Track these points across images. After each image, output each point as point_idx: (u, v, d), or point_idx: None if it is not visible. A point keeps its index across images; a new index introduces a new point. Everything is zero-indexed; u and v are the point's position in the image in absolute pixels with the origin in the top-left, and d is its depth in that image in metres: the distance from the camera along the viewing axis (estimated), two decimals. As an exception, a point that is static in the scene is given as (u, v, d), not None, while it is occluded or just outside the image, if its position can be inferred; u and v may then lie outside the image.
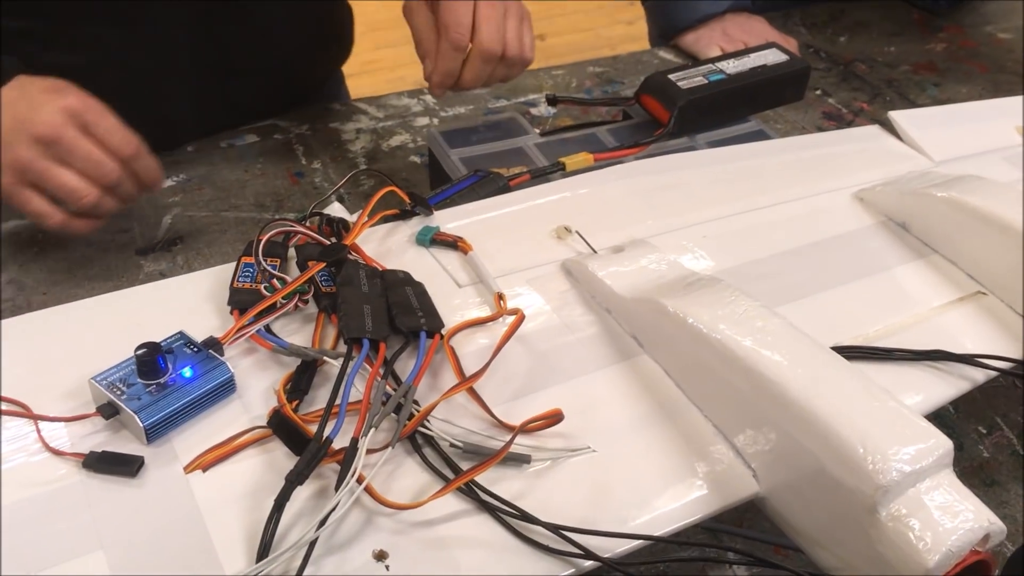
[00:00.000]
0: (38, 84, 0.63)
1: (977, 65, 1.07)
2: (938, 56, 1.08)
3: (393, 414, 0.43)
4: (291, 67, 0.94)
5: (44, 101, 0.61)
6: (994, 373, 0.49)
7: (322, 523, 0.38)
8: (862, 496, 0.37)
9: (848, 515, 0.38)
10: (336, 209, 0.56)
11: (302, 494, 0.40)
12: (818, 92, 0.99)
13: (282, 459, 0.42)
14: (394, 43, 2.34)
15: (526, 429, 0.43)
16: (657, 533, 0.40)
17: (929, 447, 0.38)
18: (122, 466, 0.41)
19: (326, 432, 0.41)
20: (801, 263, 0.56)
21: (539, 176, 0.64)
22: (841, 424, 0.39)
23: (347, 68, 1.08)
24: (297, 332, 0.49)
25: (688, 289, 0.47)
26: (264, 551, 0.38)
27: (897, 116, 0.69)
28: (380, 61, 2.40)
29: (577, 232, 0.56)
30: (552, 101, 0.81)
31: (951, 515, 0.37)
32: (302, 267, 0.50)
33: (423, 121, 0.94)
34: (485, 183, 0.64)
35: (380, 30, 2.03)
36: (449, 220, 0.57)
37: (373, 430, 0.41)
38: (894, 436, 0.38)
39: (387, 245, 0.55)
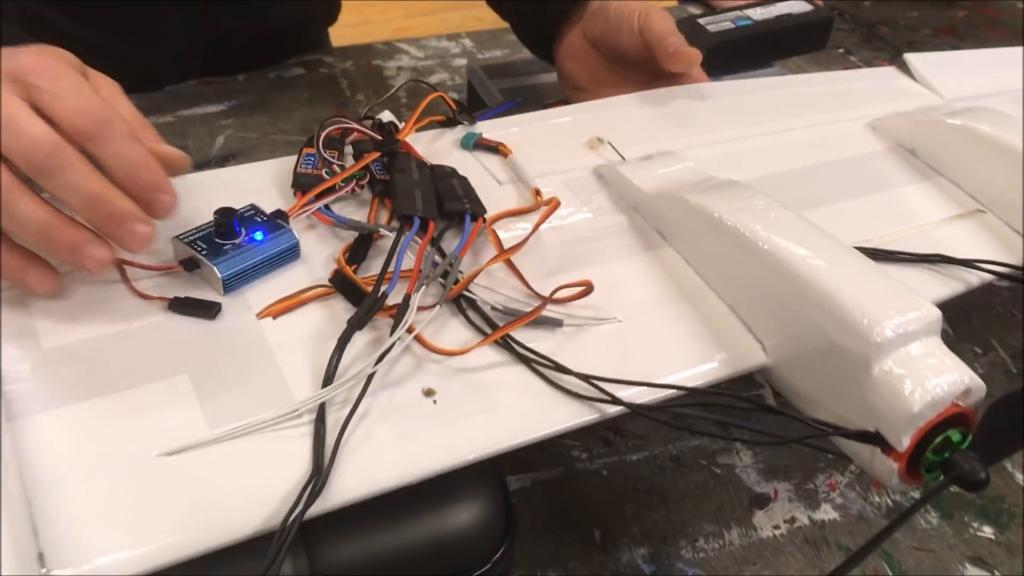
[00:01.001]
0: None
1: (997, 32, 1.11)
2: (959, 22, 1.12)
3: (440, 280, 0.48)
4: (280, 32, 0.97)
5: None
6: (990, 277, 0.54)
7: (380, 359, 0.43)
8: (859, 355, 0.42)
9: (845, 374, 0.43)
10: (387, 115, 0.61)
11: (359, 341, 0.45)
12: (840, 50, 1.03)
13: (342, 312, 0.47)
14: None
15: (558, 298, 0.48)
16: (668, 394, 0.45)
17: (920, 315, 0.43)
18: (202, 310, 0.46)
19: (381, 291, 0.46)
20: (814, 179, 0.60)
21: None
22: (843, 296, 0.43)
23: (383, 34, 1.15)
24: (353, 214, 0.54)
25: (709, 188, 0.52)
26: (328, 380, 0.43)
27: (912, 58, 0.73)
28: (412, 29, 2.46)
29: (608, 143, 0.60)
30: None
31: (936, 372, 0.41)
32: (357, 160, 0.55)
33: (461, 62, 0.98)
34: (523, 107, 0.69)
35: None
36: (489, 130, 0.62)
37: (424, 288, 0.46)
38: (889, 304, 0.43)
39: (434, 148, 0.60)
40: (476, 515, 0.43)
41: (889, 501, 0.58)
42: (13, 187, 0.43)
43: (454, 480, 0.43)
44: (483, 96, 0.82)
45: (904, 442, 0.41)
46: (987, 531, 0.57)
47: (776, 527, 0.56)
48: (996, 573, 0.55)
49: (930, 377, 0.41)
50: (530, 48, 0.79)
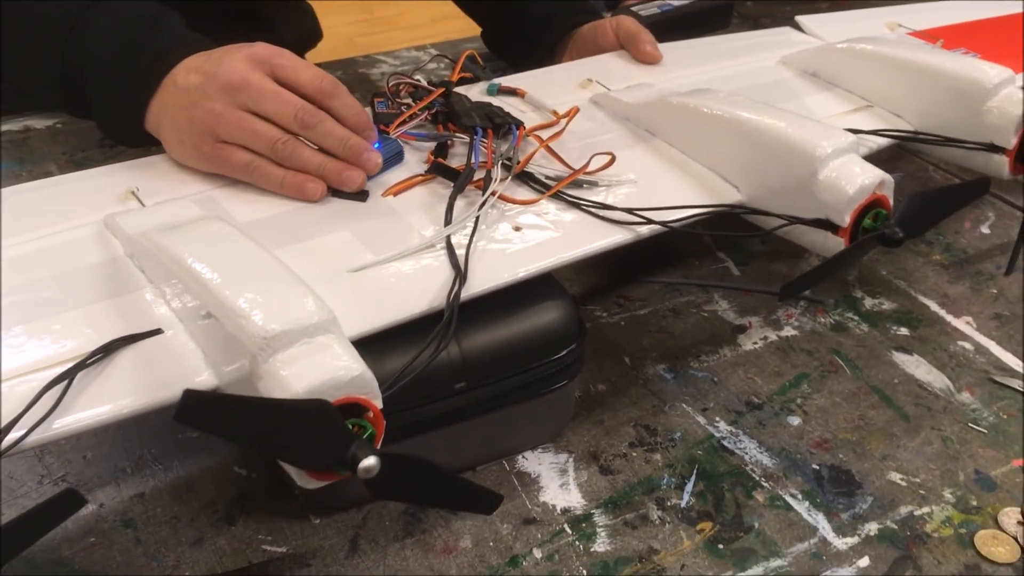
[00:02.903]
0: (229, 46, 0.66)
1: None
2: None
3: (506, 160, 0.67)
4: None
5: (227, 54, 0.64)
6: (888, 141, 0.76)
7: (482, 205, 0.62)
8: (809, 169, 0.63)
9: (799, 186, 0.64)
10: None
11: (457, 206, 0.64)
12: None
13: (440, 190, 0.66)
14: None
15: (591, 169, 0.68)
16: (684, 214, 0.65)
17: (844, 138, 0.64)
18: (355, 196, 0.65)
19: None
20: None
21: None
22: (795, 135, 0.64)
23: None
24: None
25: (683, 94, 0.73)
26: (448, 222, 0.61)
27: (802, 19, 0.97)
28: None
29: (597, 82, 0.81)
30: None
31: (862, 171, 0.63)
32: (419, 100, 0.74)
33: (432, 66, 1.18)
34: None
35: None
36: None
37: (498, 165, 0.65)
38: (823, 135, 0.64)
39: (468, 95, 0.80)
40: (560, 313, 0.62)
41: (831, 320, 0.79)
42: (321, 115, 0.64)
43: (542, 292, 0.62)
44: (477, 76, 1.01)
45: (846, 219, 0.61)
46: (904, 331, 0.78)
47: (755, 343, 0.76)
48: (914, 354, 0.75)
49: (858, 174, 0.62)
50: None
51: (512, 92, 0.80)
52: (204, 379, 0.50)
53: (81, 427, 0.47)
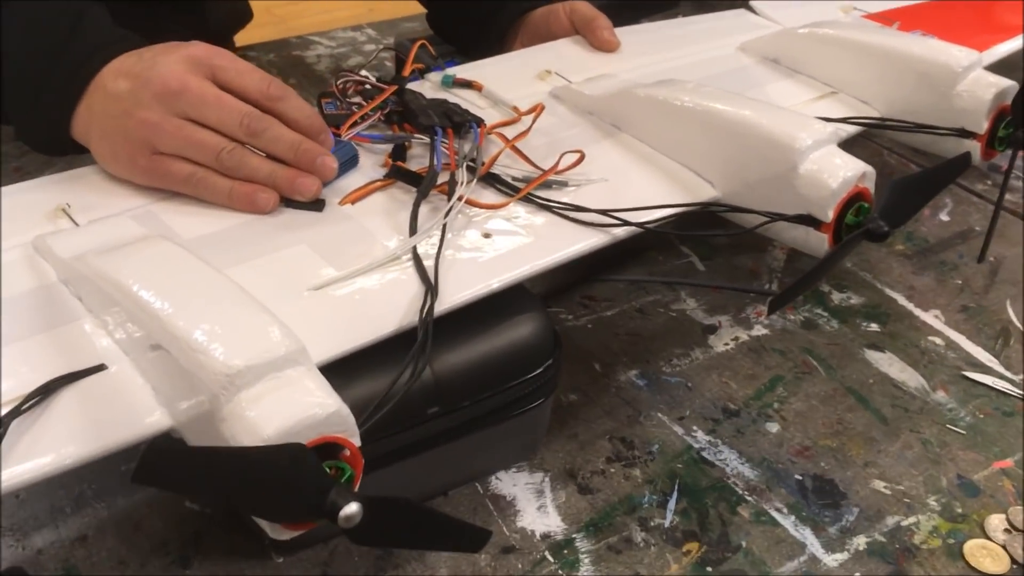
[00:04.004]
0: (160, 46, 0.60)
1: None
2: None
3: (470, 162, 0.63)
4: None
5: (161, 55, 0.59)
6: (857, 129, 0.73)
7: (448, 212, 0.57)
8: (789, 162, 0.60)
9: (778, 180, 0.60)
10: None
11: (421, 214, 0.59)
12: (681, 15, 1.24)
13: (400, 195, 0.61)
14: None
15: (560, 169, 0.64)
16: (660, 214, 0.61)
17: (822, 128, 0.61)
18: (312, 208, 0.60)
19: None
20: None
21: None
22: (772, 127, 0.61)
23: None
24: (377, 137, 0.68)
25: (649, 85, 0.69)
26: (413, 231, 0.57)
27: (755, 4, 0.94)
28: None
29: (556, 73, 0.77)
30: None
31: (843, 164, 0.60)
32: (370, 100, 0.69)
33: (371, 47, 1.13)
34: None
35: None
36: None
37: (461, 168, 0.61)
38: (801, 126, 0.61)
39: (420, 90, 0.75)
40: (535, 326, 0.58)
41: (801, 317, 0.76)
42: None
43: (516, 305, 0.58)
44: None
45: (829, 214, 0.59)
46: (874, 327, 0.76)
47: (726, 344, 0.73)
48: (886, 352, 0.73)
49: (839, 167, 0.59)
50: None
51: (468, 85, 0.75)
52: (156, 419, 0.45)
53: (19, 483, 0.42)
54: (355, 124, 0.66)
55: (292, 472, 0.39)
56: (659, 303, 0.77)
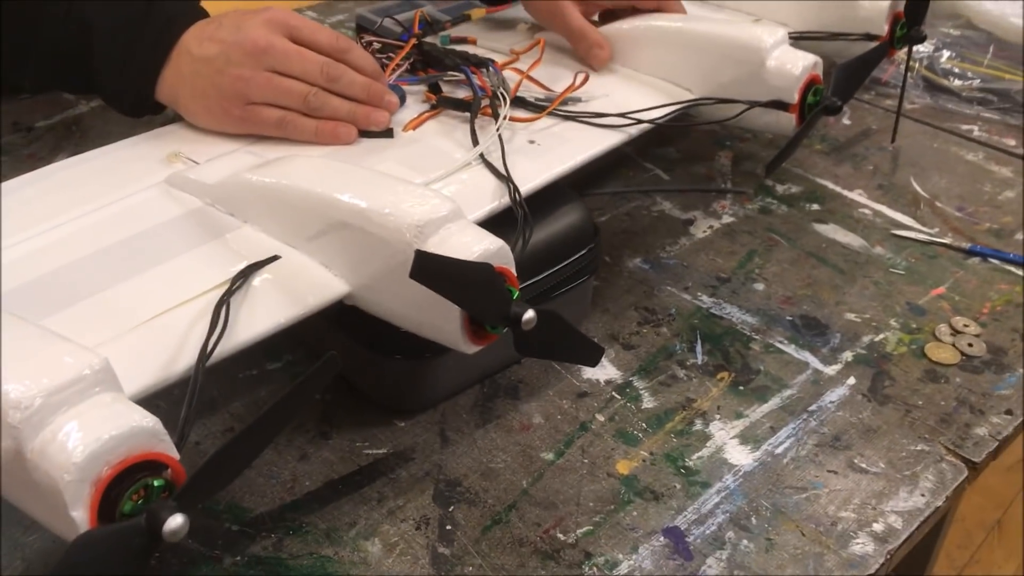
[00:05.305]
0: (234, 13, 0.70)
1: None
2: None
3: (501, 90, 0.75)
4: None
5: (244, 20, 0.68)
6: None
7: (498, 125, 0.70)
8: (760, 58, 0.75)
9: (750, 75, 0.76)
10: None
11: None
12: None
13: (448, 120, 0.74)
14: None
15: (575, 87, 0.77)
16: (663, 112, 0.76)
17: (781, 35, 0.76)
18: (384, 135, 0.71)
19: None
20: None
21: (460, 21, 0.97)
22: (737, 34, 0.76)
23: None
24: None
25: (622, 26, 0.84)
26: (475, 142, 0.69)
27: None
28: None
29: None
30: None
31: (803, 57, 0.75)
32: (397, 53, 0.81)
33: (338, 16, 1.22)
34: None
35: None
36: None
37: (499, 92, 0.74)
38: (759, 31, 0.76)
39: (423, 47, 0.87)
40: (580, 216, 0.71)
41: (756, 207, 0.92)
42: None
43: (562, 200, 0.71)
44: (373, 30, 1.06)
45: (795, 96, 0.74)
46: (815, 207, 0.92)
47: (704, 232, 0.88)
48: (829, 223, 0.90)
49: (799, 58, 0.75)
50: None
51: (463, 40, 0.88)
52: (337, 285, 0.56)
53: (253, 337, 0.52)
54: (392, 72, 0.78)
55: (488, 279, 0.51)
56: (641, 207, 0.91)
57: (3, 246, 0.56)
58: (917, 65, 1.12)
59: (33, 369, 0.42)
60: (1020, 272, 0.84)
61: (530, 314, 0.52)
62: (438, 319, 0.54)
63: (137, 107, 0.72)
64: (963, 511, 1.71)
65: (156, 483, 0.43)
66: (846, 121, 1.07)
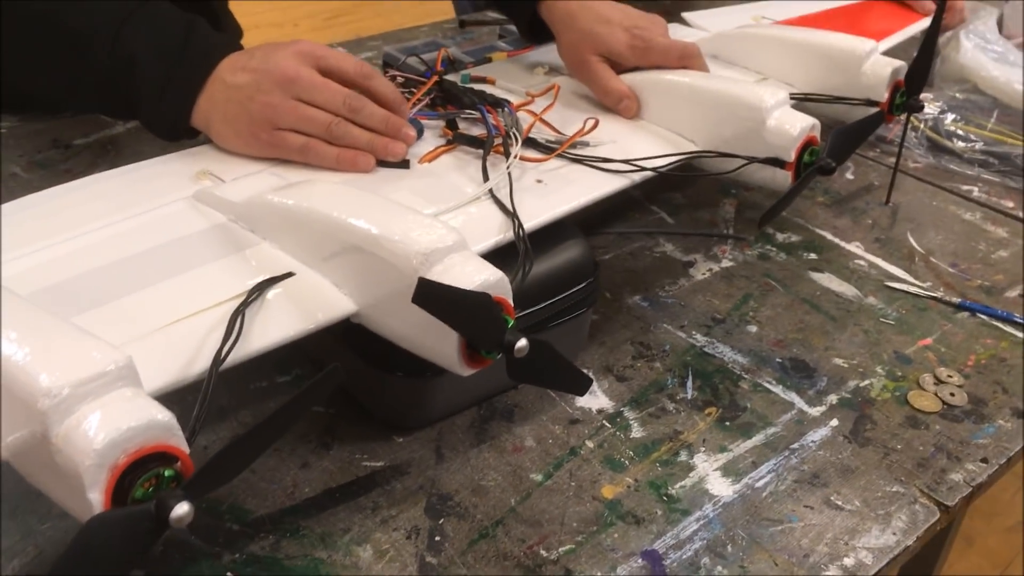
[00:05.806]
0: (266, 45, 0.75)
1: None
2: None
3: (514, 131, 0.80)
4: None
5: (274, 52, 0.73)
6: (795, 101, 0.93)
7: (510, 162, 0.74)
8: (760, 117, 0.79)
9: (750, 132, 0.80)
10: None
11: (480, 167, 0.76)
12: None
13: (461, 155, 0.78)
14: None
15: (584, 132, 0.81)
16: (666, 161, 0.80)
17: (782, 96, 0.80)
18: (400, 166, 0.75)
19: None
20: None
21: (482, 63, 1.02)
22: (741, 94, 0.80)
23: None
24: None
25: (652, 78, 0.88)
26: (485, 178, 0.73)
27: (688, 15, 1.14)
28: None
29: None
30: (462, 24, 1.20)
31: (801, 119, 0.79)
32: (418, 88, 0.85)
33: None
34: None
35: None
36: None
37: (511, 132, 0.78)
38: (761, 92, 0.80)
39: (442, 84, 0.91)
40: (581, 251, 0.75)
41: (756, 253, 0.96)
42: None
43: (564, 235, 0.74)
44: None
45: (792, 155, 0.78)
46: (812, 256, 0.96)
47: (703, 274, 0.92)
48: (825, 272, 0.93)
49: (798, 119, 0.78)
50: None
51: (482, 80, 0.92)
52: (345, 303, 0.60)
53: (266, 346, 0.56)
54: (413, 106, 0.83)
55: (485, 308, 0.55)
56: (644, 248, 0.95)
57: (40, 248, 0.61)
58: (922, 126, 1.16)
59: (63, 362, 0.46)
60: (1007, 328, 0.87)
61: (522, 342, 0.56)
62: (437, 342, 0.57)
63: (173, 132, 0.77)
64: (961, 569, 1.72)
65: (167, 473, 0.47)
66: (849, 176, 1.11)
